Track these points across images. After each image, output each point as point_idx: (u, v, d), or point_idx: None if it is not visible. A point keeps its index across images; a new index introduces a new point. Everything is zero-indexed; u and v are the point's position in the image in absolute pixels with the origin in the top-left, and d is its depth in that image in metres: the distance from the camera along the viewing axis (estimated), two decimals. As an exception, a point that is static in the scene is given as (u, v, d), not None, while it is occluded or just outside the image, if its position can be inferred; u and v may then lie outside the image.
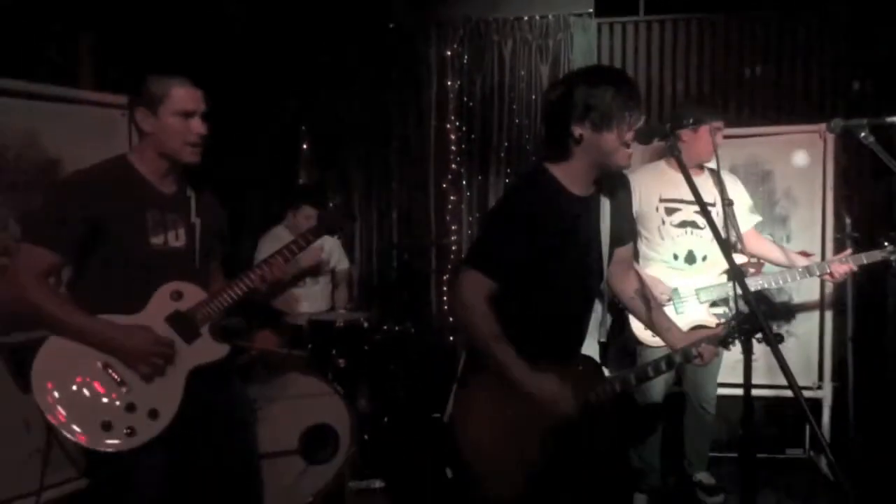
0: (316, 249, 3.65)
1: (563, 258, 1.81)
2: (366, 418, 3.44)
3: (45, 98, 2.47)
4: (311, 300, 3.72)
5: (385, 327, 3.53)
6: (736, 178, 2.91)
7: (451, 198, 4.36)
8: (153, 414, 1.81)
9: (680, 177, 2.78)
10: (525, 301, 1.82)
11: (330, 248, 3.86)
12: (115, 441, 1.77)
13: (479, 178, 4.32)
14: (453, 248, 4.37)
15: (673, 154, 1.69)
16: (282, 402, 2.93)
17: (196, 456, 1.98)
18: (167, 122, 1.86)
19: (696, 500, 3.05)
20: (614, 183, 1.91)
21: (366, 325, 3.39)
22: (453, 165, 4.35)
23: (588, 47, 4.08)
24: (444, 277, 4.39)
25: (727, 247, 1.60)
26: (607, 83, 1.72)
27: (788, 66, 3.87)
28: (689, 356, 1.87)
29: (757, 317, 1.48)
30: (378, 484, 3.11)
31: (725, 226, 2.62)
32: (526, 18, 4.14)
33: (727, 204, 2.69)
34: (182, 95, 1.87)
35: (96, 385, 1.78)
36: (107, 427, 1.76)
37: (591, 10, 4.05)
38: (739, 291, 1.52)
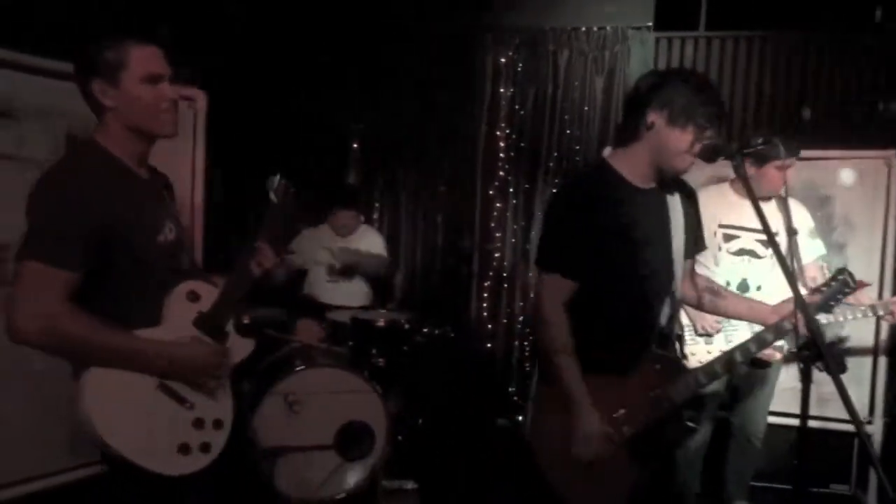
0: (316, 331, 3.63)
1: (626, 246, 1.78)
2: (400, 419, 3.46)
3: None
4: (350, 294, 3.76)
5: (425, 330, 3.54)
6: (800, 204, 2.83)
7: (497, 205, 4.36)
8: (218, 424, 1.68)
9: (743, 202, 2.78)
10: (593, 296, 1.79)
11: (370, 246, 3.90)
12: (194, 461, 1.62)
13: (527, 186, 4.31)
14: (496, 254, 4.36)
15: (738, 174, 1.66)
16: (320, 396, 2.96)
17: None
18: (132, 91, 1.57)
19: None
20: (685, 192, 1.89)
21: (407, 326, 3.40)
22: (501, 172, 4.35)
23: (645, 61, 4.04)
24: (486, 284, 4.39)
25: (792, 276, 1.55)
26: (699, 88, 1.72)
27: (855, 88, 3.76)
28: (783, 331, 1.80)
29: (819, 345, 1.43)
30: (410, 485, 3.12)
31: (790, 256, 2.56)
32: (583, 29, 4.12)
33: (792, 234, 2.63)
34: (145, 57, 1.58)
35: (162, 410, 1.59)
36: (184, 450, 1.61)
37: (649, 24, 4.01)
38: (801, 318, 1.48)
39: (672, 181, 1.86)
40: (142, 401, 1.57)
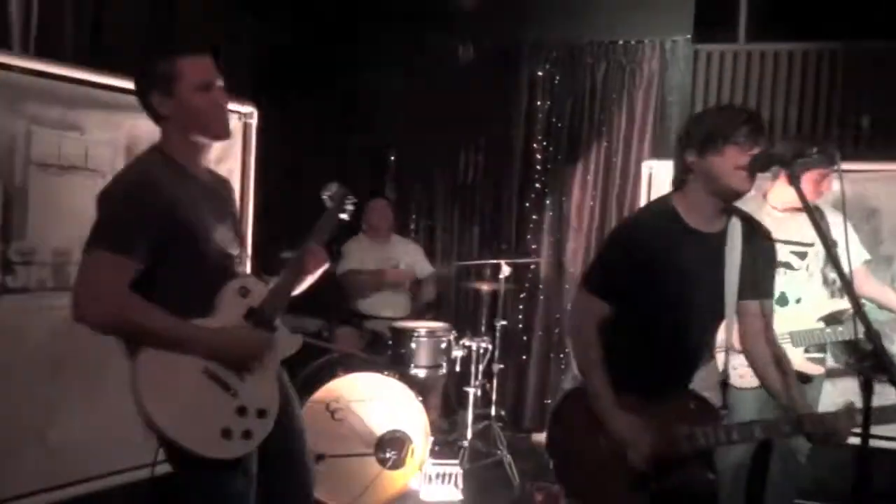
0: (400, 271, 3.74)
1: (673, 289, 1.79)
2: (438, 429, 3.47)
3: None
4: (390, 303, 3.80)
5: (463, 341, 3.56)
6: (836, 213, 2.77)
7: (533, 217, 4.38)
8: (262, 413, 1.74)
9: (779, 215, 2.75)
10: (634, 326, 1.82)
11: (411, 257, 3.95)
12: (235, 446, 1.68)
13: (563, 199, 4.32)
14: (531, 266, 4.37)
15: (793, 184, 1.65)
16: (361, 404, 2.99)
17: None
18: (187, 97, 1.67)
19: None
20: (755, 232, 1.86)
21: (445, 336, 3.42)
22: (537, 185, 4.37)
23: (684, 74, 4.03)
24: (521, 296, 4.39)
25: (850, 286, 1.52)
26: (718, 110, 1.79)
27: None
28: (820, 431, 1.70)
29: (882, 356, 1.41)
30: (450, 495, 3.12)
31: (834, 267, 2.50)
32: (621, 42, 4.14)
33: (831, 245, 2.59)
34: (195, 67, 1.68)
35: (207, 394, 1.66)
36: (227, 434, 1.66)
37: (688, 37, 4.00)
38: (861, 328, 1.46)
39: (744, 219, 1.84)
40: (188, 384, 1.65)
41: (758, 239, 1.86)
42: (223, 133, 1.76)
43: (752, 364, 1.91)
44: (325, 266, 1.92)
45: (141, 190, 1.64)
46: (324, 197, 1.95)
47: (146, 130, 2.38)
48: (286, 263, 1.89)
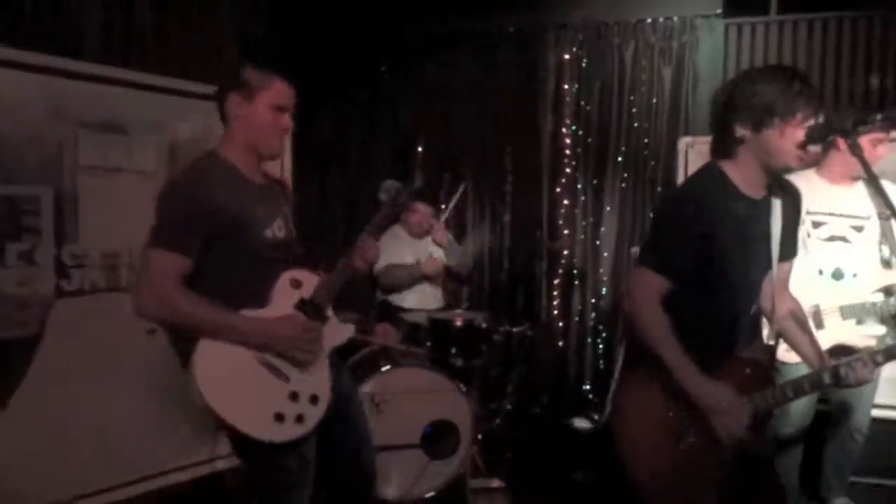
0: (436, 261, 3.74)
1: (731, 258, 1.77)
2: (480, 418, 3.46)
3: (213, 98, 2.64)
4: (424, 296, 3.80)
5: (502, 329, 3.54)
6: (893, 185, 2.72)
7: (565, 202, 4.33)
8: (314, 399, 1.83)
9: (831, 188, 2.70)
10: (692, 300, 1.78)
11: (448, 250, 3.93)
12: (289, 430, 1.78)
13: (594, 182, 4.27)
14: (565, 252, 4.34)
15: (853, 152, 1.60)
16: (405, 396, 2.99)
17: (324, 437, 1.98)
18: (261, 111, 1.83)
19: (832, 526, 2.88)
20: (788, 193, 1.85)
21: (484, 325, 3.41)
22: (568, 169, 4.32)
23: (715, 50, 3.96)
24: (555, 282, 4.37)
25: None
26: (771, 79, 1.68)
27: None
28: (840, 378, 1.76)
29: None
30: (497, 483, 3.12)
31: (885, 241, 2.46)
32: (649, 20, 4.06)
33: (885, 218, 2.53)
34: (281, 89, 1.85)
35: (260, 380, 1.77)
36: (279, 418, 1.77)
37: (718, 11, 3.92)
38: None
39: (778, 183, 1.83)
40: (243, 371, 1.76)
41: (792, 201, 1.87)
42: (276, 153, 1.90)
43: (770, 318, 1.96)
44: (375, 255, 2.00)
45: (192, 190, 1.76)
46: (380, 195, 2.04)
47: (188, 131, 2.41)
48: (339, 255, 1.95)
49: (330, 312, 1.92)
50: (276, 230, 1.88)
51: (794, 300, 1.99)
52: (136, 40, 2.70)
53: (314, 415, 1.83)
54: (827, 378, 1.78)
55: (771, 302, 1.94)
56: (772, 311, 1.96)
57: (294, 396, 1.80)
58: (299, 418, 1.79)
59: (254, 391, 1.76)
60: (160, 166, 2.42)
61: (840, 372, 1.76)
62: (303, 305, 1.85)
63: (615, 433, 1.85)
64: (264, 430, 1.74)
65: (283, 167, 2.91)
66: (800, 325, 1.94)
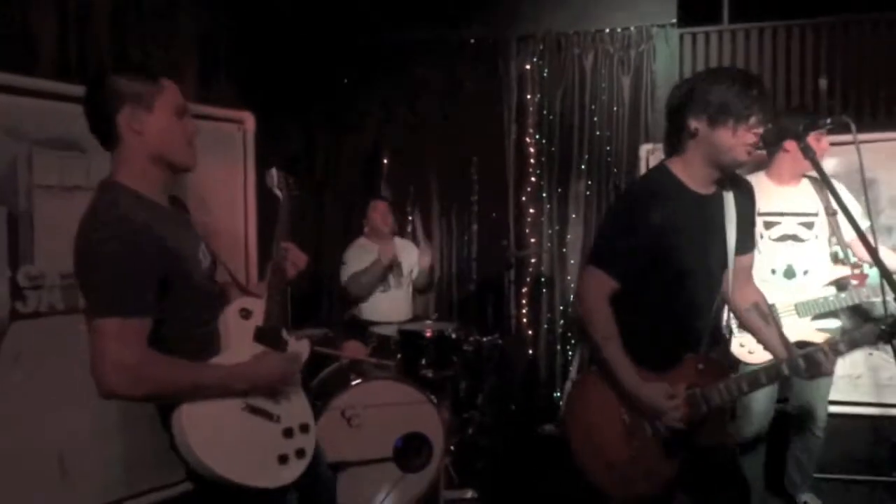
0: (390, 247, 3.72)
1: (682, 254, 1.80)
2: (452, 429, 3.46)
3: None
4: (395, 306, 3.78)
5: (472, 338, 3.55)
6: (840, 185, 2.82)
7: (531, 211, 4.38)
8: (304, 428, 1.76)
9: (780, 189, 2.79)
10: (644, 298, 1.82)
11: (411, 259, 3.93)
12: (294, 467, 1.71)
13: (559, 190, 4.33)
14: (532, 260, 4.37)
15: (806, 155, 1.66)
16: (375, 409, 2.96)
17: None
18: (164, 119, 1.59)
19: (800, 522, 2.95)
20: (740, 189, 1.90)
21: (454, 335, 3.42)
22: (533, 178, 4.37)
23: (671, 58, 4.06)
24: (524, 290, 4.40)
25: (876, 253, 1.54)
26: (730, 80, 1.73)
27: (887, 71, 3.75)
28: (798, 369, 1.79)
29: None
30: (470, 494, 3.11)
31: (834, 236, 2.54)
32: (607, 31, 4.15)
33: (831, 213, 2.62)
34: (175, 89, 1.64)
35: (254, 429, 1.65)
36: (283, 460, 1.68)
37: (673, 21, 4.03)
38: (890, 296, 1.47)
39: (730, 179, 1.87)
40: (234, 425, 1.62)
41: (745, 195, 1.92)
42: (192, 162, 1.67)
43: (735, 311, 2.02)
44: (305, 262, 1.86)
45: (123, 235, 1.49)
46: (272, 188, 1.86)
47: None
48: (266, 272, 1.83)
49: (285, 333, 1.80)
50: (204, 259, 1.69)
51: (758, 292, 2.02)
52: (92, 56, 2.64)
53: (310, 443, 1.76)
54: (785, 369, 1.80)
55: (736, 294, 1.97)
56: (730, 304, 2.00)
57: (288, 433, 1.71)
58: (300, 452, 1.72)
59: (252, 442, 1.64)
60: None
61: (798, 363, 1.78)
62: (261, 336, 1.73)
63: (568, 431, 1.89)
64: (273, 477, 1.65)
65: (246, 181, 2.88)
66: (763, 317, 1.96)
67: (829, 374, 1.85)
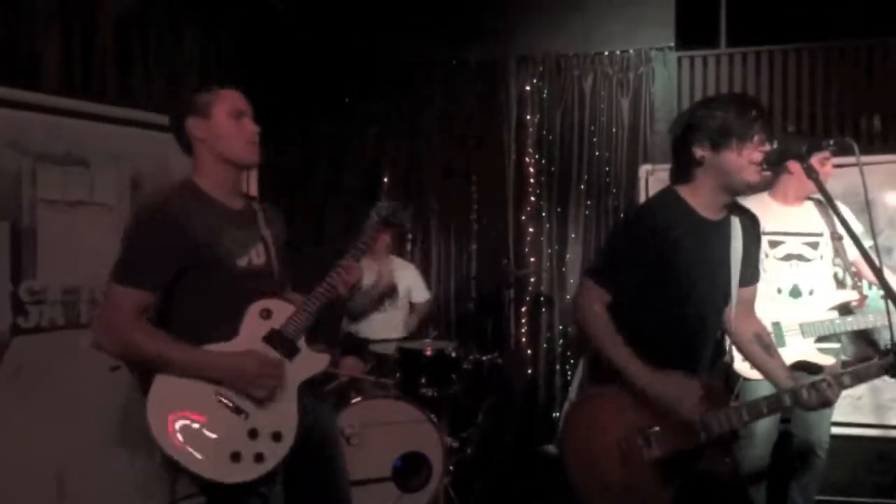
0: (390, 269, 3.71)
1: (686, 278, 1.80)
2: (451, 448, 3.43)
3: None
4: (391, 326, 3.77)
5: (471, 357, 3.53)
6: (844, 207, 2.83)
7: (530, 230, 4.39)
8: (277, 436, 1.74)
9: (784, 209, 2.81)
10: (645, 321, 1.81)
11: (409, 280, 3.92)
12: (246, 470, 1.69)
13: (559, 210, 4.34)
14: (531, 280, 4.38)
15: (809, 175, 1.67)
16: (375, 428, 2.95)
17: (296, 475, 1.92)
18: (222, 122, 1.79)
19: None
20: (748, 219, 1.91)
21: (454, 354, 3.40)
22: (532, 198, 4.39)
23: (669, 81, 4.11)
24: (523, 309, 4.39)
25: (881, 274, 1.54)
26: (727, 103, 1.76)
27: (885, 94, 3.80)
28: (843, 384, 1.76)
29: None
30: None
31: (838, 259, 2.55)
32: (606, 53, 4.20)
33: (837, 238, 2.64)
34: (232, 95, 1.83)
35: (216, 418, 1.69)
36: (236, 458, 1.68)
37: (671, 44, 4.08)
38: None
39: (738, 209, 1.88)
40: (200, 407, 1.69)
41: (752, 227, 1.92)
42: (251, 158, 1.84)
43: (737, 342, 2.01)
44: (360, 283, 1.95)
45: (160, 223, 1.70)
46: (372, 213, 1.98)
47: (151, 163, 2.37)
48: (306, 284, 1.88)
49: (301, 343, 1.83)
50: (254, 257, 1.83)
51: (759, 323, 2.01)
52: (96, 71, 2.66)
53: (276, 453, 1.73)
54: (787, 400, 1.79)
55: (738, 324, 1.96)
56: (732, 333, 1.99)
57: (253, 433, 1.71)
58: (259, 457, 1.70)
59: (210, 430, 1.67)
60: (122, 199, 2.38)
61: (801, 394, 1.76)
62: (271, 338, 1.78)
63: (564, 452, 1.87)
64: (220, 471, 1.66)
65: (248, 190, 2.87)
66: (765, 349, 1.95)
67: (832, 404, 1.82)
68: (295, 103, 4.20)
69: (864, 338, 2.97)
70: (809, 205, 2.81)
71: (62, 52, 2.55)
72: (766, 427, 2.73)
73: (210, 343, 1.72)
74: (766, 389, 2.63)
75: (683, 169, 1.82)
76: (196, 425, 1.67)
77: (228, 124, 1.79)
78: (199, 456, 1.65)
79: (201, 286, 1.74)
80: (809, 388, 1.76)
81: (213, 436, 1.67)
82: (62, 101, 2.33)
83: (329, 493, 1.95)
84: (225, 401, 1.71)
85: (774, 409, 1.83)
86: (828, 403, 1.77)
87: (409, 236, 4.59)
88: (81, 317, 2.33)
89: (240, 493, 1.69)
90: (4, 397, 2.20)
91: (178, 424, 1.66)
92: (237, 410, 1.71)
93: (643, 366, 1.75)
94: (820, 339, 2.75)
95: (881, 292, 2.85)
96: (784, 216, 2.78)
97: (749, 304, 1.99)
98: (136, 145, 2.17)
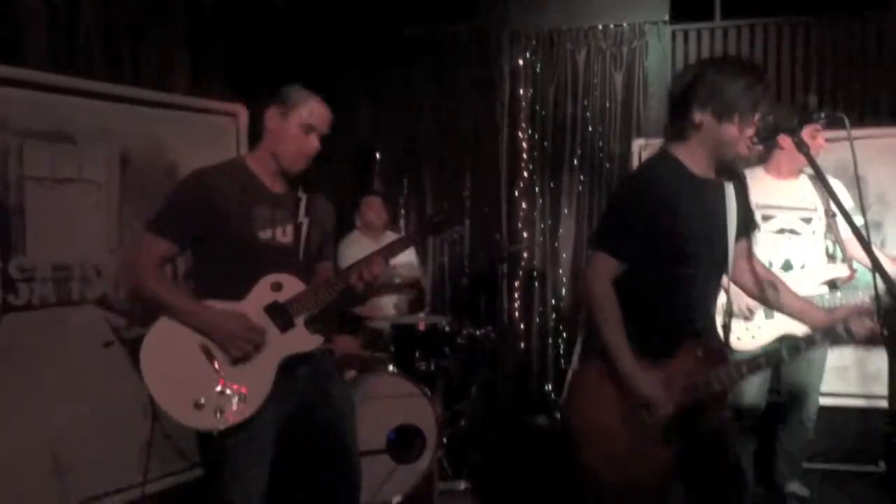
0: (354, 344, 3.67)
1: (687, 236, 1.80)
2: (444, 421, 3.47)
3: (167, 106, 2.61)
4: (385, 303, 3.79)
5: (465, 331, 3.56)
6: (836, 181, 2.82)
7: (523, 205, 4.39)
8: (242, 397, 1.85)
9: (778, 183, 2.81)
10: (647, 281, 1.82)
11: (405, 256, 3.93)
12: (204, 419, 1.83)
13: (552, 185, 4.34)
14: (525, 255, 4.39)
15: (800, 150, 1.68)
16: (370, 402, 2.97)
17: (299, 446, 2.01)
18: (292, 127, 1.93)
19: (787, 511, 2.98)
20: (735, 176, 1.91)
21: (446, 328, 3.43)
22: (525, 174, 4.38)
23: (663, 55, 4.08)
24: (516, 284, 4.41)
25: (869, 247, 1.55)
26: (738, 75, 1.73)
27: (877, 68, 3.78)
28: (835, 335, 1.75)
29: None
30: (464, 485, 3.13)
31: (831, 234, 2.56)
32: (600, 27, 4.17)
33: (830, 215, 2.65)
34: (315, 109, 1.95)
35: (192, 365, 1.84)
36: (198, 406, 1.82)
37: (665, 18, 4.05)
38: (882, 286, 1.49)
39: (722, 167, 1.89)
40: (181, 353, 1.86)
41: (739, 182, 1.92)
42: (295, 167, 1.97)
43: (747, 292, 2.02)
44: (379, 280, 2.01)
45: (193, 186, 1.91)
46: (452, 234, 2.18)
47: (141, 140, 2.36)
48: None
49: (299, 321, 1.92)
50: (280, 235, 1.96)
51: (762, 267, 2.02)
52: (82, 46, 2.62)
53: (237, 413, 1.84)
54: (784, 353, 1.80)
55: (742, 277, 1.98)
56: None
57: (221, 389, 1.84)
58: (219, 412, 1.82)
59: (184, 374, 1.84)
60: (111, 177, 2.36)
61: (838, 329, 1.74)
62: (271, 308, 1.89)
63: (567, 417, 1.89)
64: (181, 413, 1.82)
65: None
66: (773, 287, 1.95)
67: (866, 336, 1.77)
68: (284, 78, 4.14)
69: None
70: (804, 179, 2.81)
71: (48, 28, 2.51)
72: (754, 393, 2.77)
73: (220, 299, 1.88)
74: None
75: (678, 128, 1.82)
76: (173, 365, 1.85)
77: (297, 134, 1.93)
78: (167, 394, 1.83)
79: (222, 250, 1.90)
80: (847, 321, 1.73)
81: (184, 379, 1.83)
82: (48, 77, 2.29)
83: (336, 469, 2.02)
84: (207, 354, 1.86)
85: (773, 362, 1.85)
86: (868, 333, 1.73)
87: (402, 211, 4.59)
88: (73, 294, 2.33)
89: (211, 445, 1.85)
90: (-2, 375, 2.21)
91: (160, 360, 1.85)
92: (213, 364, 1.85)
93: (632, 359, 1.78)
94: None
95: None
96: (778, 190, 2.78)
97: (748, 254, 2.00)
98: (125, 122, 2.15)
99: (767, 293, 1.98)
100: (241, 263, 1.91)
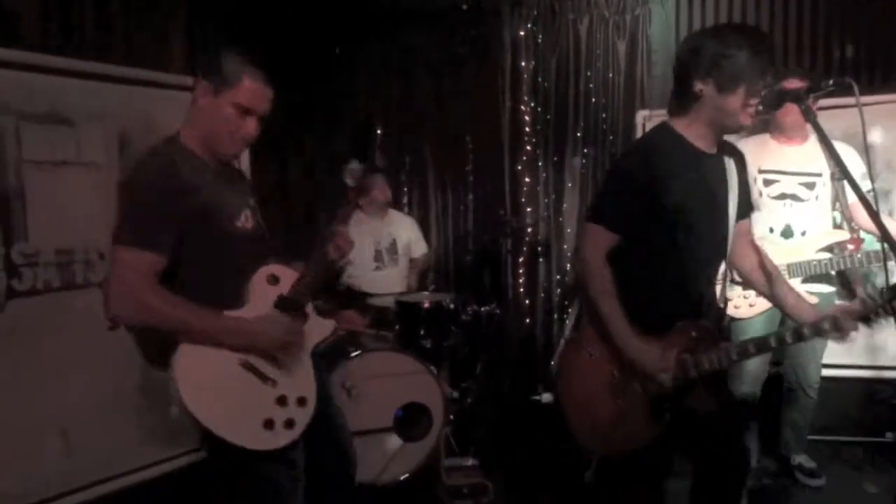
0: (359, 321, 3.60)
1: (687, 211, 1.78)
2: (451, 398, 3.48)
3: (163, 86, 2.57)
4: (390, 282, 3.78)
5: (470, 308, 3.55)
6: (848, 147, 2.72)
7: (527, 179, 4.35)
8: (302, 401, 1.76)
9: (783, 148, 2.77)
10: (645, 255, 1.81)
11: (408, 234, 3.92)
12: (279, 437, 1.70)
13: (555, 158, 4.29)
14: (529, 229, 4.36)
15: (807, 118, 1.64)
16: (376, 380, 2.99)
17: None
18: (223, 107, 1.70)
19: (794, 483, 2.99)
20: (735, 154, 1.89)
21: (451, 306, 3.42)
22: (528, 147, 4.33)
23: (667, 22, 4.00)
24: (520, 259, 4.39)
25: (878, 217, 1.52)
26: (741, 45, 1.68)
27: (883, 33, 3.70)
28: (822, 331, 1.74)
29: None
30: (471, 461, 3.15)
31: (838, 201, 2.53)
32: (602, -5, 4.08)
33: (837, 179, 2.61)
34: (251, 89, 1.71)
35: (243, 386, 1.67)
36: (269, 425, 1.68)
37: (670, -17, 3.96)
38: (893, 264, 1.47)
39: (724, 145, 1.86)
40: (226, 377, 1.66)
41: (740, 161, 1.91)
42: (228, 153, 1.77)
43: (741, 273, 2.01)
44: (349, 250, 1.88)
45: (157, 179, 1.63)
46: (346, 179, 1.88)
47: (138, 121, 2.32)
48: (306, 244, 1.85)
49: (310, 308, 1.83)
50: (245, 221, 1.78)
51: (759, 252, 2.00)
52: (75, 26, 2.57)
53: (303, 418, 1.75)
54: (773, 342, 1.80)
55: (738, 258, 1.97)
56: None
57: (282, 400, 1.71)
58: (289, 423, 1.71)
59: (241, 398, 1.66)
60: (110, 158, 2.33)
61: (824, 325, 1.72)
62: (281, 303, 1.75)
63: (558, 386, 1.91)
64: (255, 439, 1.65)
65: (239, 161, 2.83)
66: (767, 275, 1.94)
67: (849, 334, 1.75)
68: (283, 57, 4.09)
69: (849, 279, 2.96)
70: (812, 142, 2.76)
71: (41, 9, 2.47)
72: (755, 364, 2.76)
73: (226, 307, 1.69)
74: (753, 327, 2.67)
75: (680, 101, 1.79)
76: (227, 395, 1.65)
77: (229, 114, 1.70)
78: (234, 426, 1.63)
79: (205, 250, 1.69)
80: (832, 319, 1.72)
81: (245, 404, 1.66)
82: (43, 58, 2.25)
83: (331, 449, 1.97)
84: (252, 368, 1.69)
85: (762, 349, 1.85)
86: (849, 331, 1.71)
87: (405, 188, 4.56)
88: (76, 278, 2.33)
89: (272, 461, 1.69)
90: (3, 360, 2.21)
91: (209, 395, 1.63)
92: (264, 378, 1.70)
93: (629, 328, 1.77)
94: (810, 282, 2.75)
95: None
96: (782, 155, 2.74)
97: (747, 236, 1.99)
98: (121, 102, 2.11)
99: (762, 283, 1.96)
100: (223, 260, 1.72)
